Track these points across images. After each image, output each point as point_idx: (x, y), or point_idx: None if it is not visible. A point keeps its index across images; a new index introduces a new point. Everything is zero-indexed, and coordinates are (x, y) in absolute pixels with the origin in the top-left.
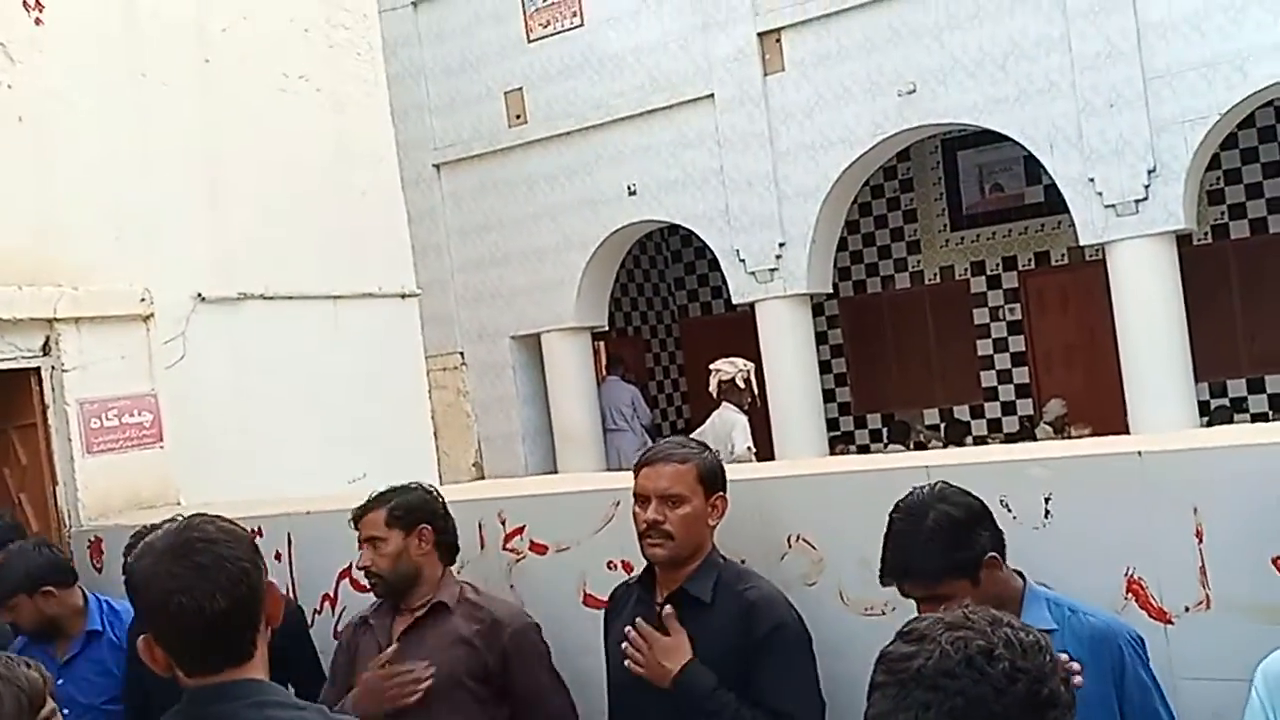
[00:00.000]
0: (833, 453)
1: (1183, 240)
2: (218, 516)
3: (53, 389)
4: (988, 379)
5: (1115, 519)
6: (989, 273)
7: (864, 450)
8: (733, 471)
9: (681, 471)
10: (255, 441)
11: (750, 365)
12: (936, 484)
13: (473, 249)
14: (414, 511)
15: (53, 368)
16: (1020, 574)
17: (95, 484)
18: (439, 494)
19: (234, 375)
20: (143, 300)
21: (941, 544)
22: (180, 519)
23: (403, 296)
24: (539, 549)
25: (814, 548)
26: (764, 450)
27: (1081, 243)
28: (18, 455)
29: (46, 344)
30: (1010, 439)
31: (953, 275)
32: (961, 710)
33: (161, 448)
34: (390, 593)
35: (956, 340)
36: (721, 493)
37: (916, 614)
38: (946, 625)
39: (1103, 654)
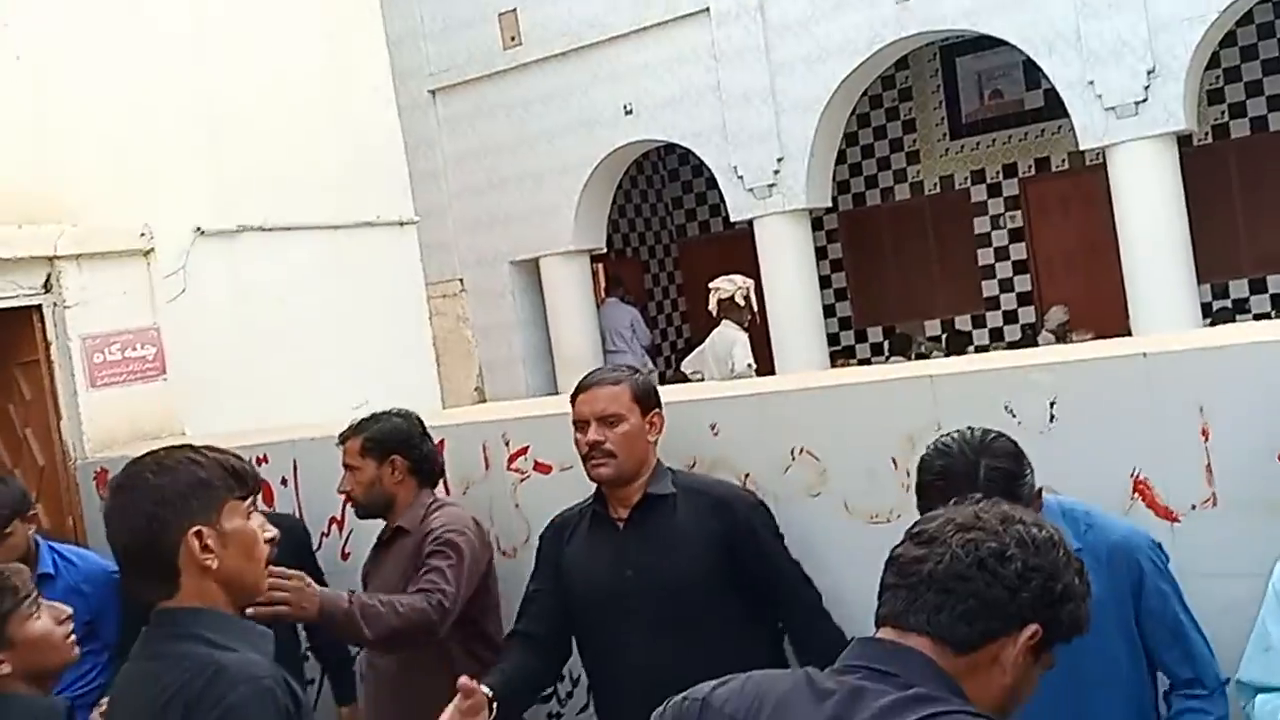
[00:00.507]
0: (834, 367)
1: (1183, 141)
2: (166, 457)
3: (55, 325)
4: (989, 288)
5: (1121, 421)
6: (989, 181)
7: (865, 364)
8: (735, 387)
9: (616, 392)
10: (258, 372)
11: (750, 282)
12: (965, 431)
13: (470, 174)
14: (385, 442)
15: (54, 304)
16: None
17: (99, 417)
18: (417, 421)
19: (235, 307)
20: (143, 235)
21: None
22: (144, 455)
23: (401, 224)
24: (543, 469)
25: (817, 459)
26: (764, 367)
27: (1082, 147)
28: (22, 391)
29: (48, 281)
30: (1012, 347)
31: (953, 185)
32: (975, 611)
33: (164, 380)
34: (366, 515)
35: (957, 250)
36: (657, 409)
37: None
38: (957, 526)
39: (1121, 567)
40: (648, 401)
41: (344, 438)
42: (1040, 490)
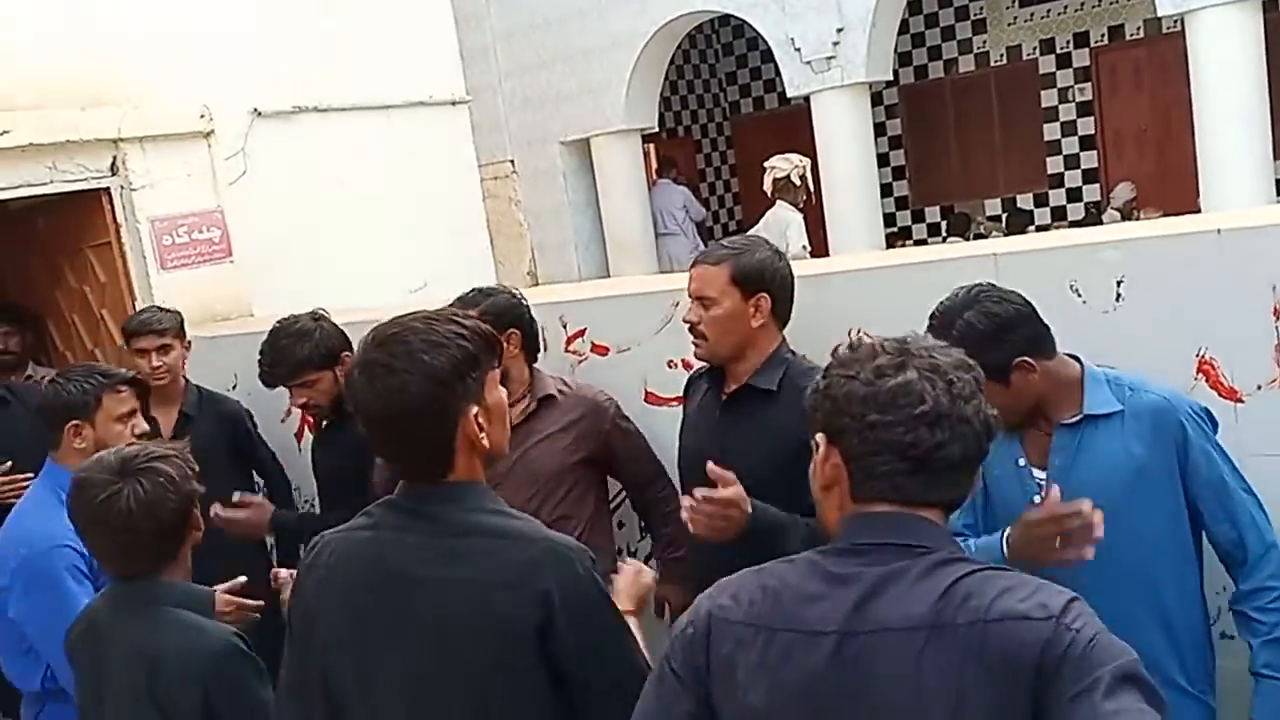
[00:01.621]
0: (889, 249)
1: (1268, 6)
2: (427, 329)
3: (124, 207)
4: (1054, 165)
5: (1189, 300)
6: (1059, 51)
7: (921, 245)
8: (794, 268)
9: (712, 274)
10: (318, 254)
11: (806, 161)
12: (974, 288)
13: (520, 52)
14: (503, 316)
15: (121, 187)
16: (1076, 358)
17: (172, 299)
18: (524, 297)
19: (294, 189)
20: (202, 117)
21: (960, 339)
22: (387, 326)
23: (453, 104)
24: (600, 350)
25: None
26: (818, 249)
27: (1159, 13)
28: (96, 274)
29: (114, 164)
30: (1075, 226)
31: (1020, 55)
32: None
33: (231, 262)
34: None
35: (1022, 125)
36: (763, 292)
37: None
38: (951, 396)
39: (1164, 428)
40: (751, 284)
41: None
42: (1025, 362)
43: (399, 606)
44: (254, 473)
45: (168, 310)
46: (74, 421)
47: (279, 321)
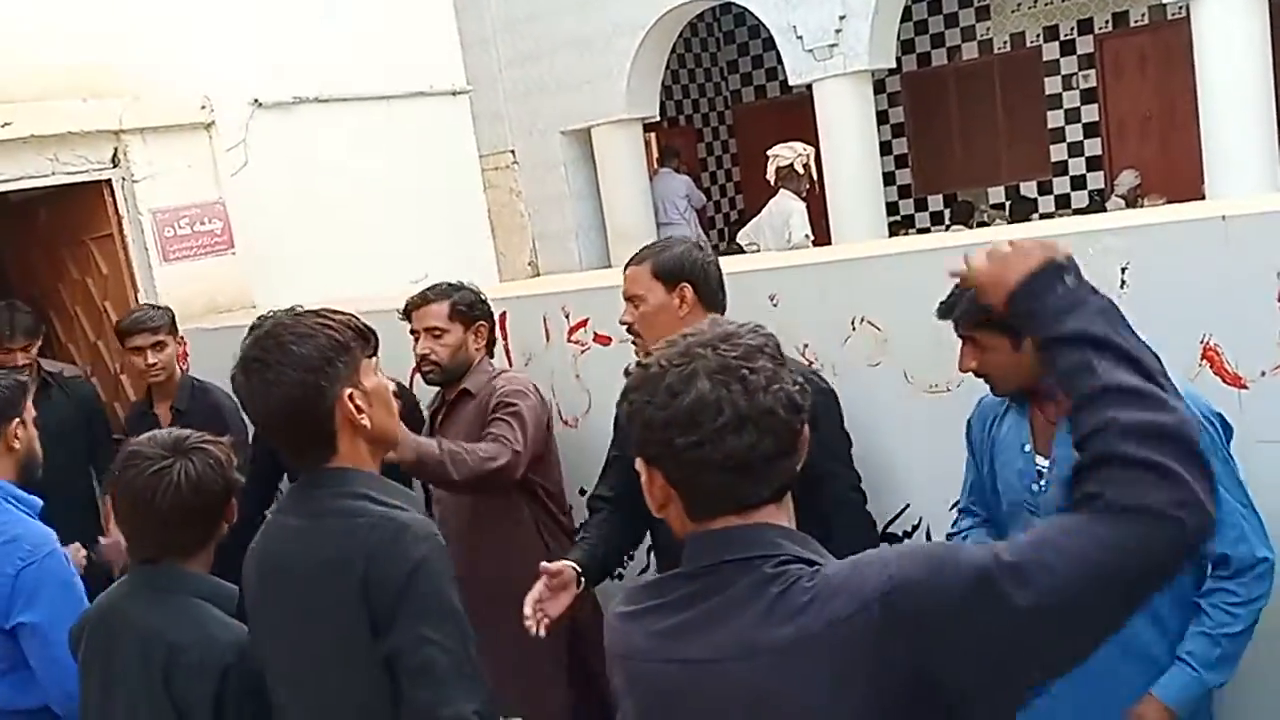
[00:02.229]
0: (892, 237)
1: None
2: (297, 324)
3: (125, 199)
4: (1057, 153)
5: (1194, 286)
6: (1063, 37)
7: (924, 234)
8: (795, 257)
9: (636, 273)
10: (319, 245)
11: (809, 150)
12: None
13: (520, 42)
14: (474, 308)
15: (123, 179)
16: None
17: (174, 291)
18: (486, 295)
19: (295, 180)
20: (203, 108)
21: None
22: (262, 325)
23: (454, 94)
24: (603, 340)
25: (878, 329)
26: (821, 237)
27: None
28: (98, 265)
29: (115, 155)
30: (1080, 214)
31: (1024, 42)
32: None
33: (233, 254)
34: (444, 381)
35: (1025, 112)
36: (684, 282)
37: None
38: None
39: None
40: (671, 276)
41: (423, 301)
42: None
43: (275, 590)
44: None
45: (160, 308)
46: (14, 421)
47: (260, 317)
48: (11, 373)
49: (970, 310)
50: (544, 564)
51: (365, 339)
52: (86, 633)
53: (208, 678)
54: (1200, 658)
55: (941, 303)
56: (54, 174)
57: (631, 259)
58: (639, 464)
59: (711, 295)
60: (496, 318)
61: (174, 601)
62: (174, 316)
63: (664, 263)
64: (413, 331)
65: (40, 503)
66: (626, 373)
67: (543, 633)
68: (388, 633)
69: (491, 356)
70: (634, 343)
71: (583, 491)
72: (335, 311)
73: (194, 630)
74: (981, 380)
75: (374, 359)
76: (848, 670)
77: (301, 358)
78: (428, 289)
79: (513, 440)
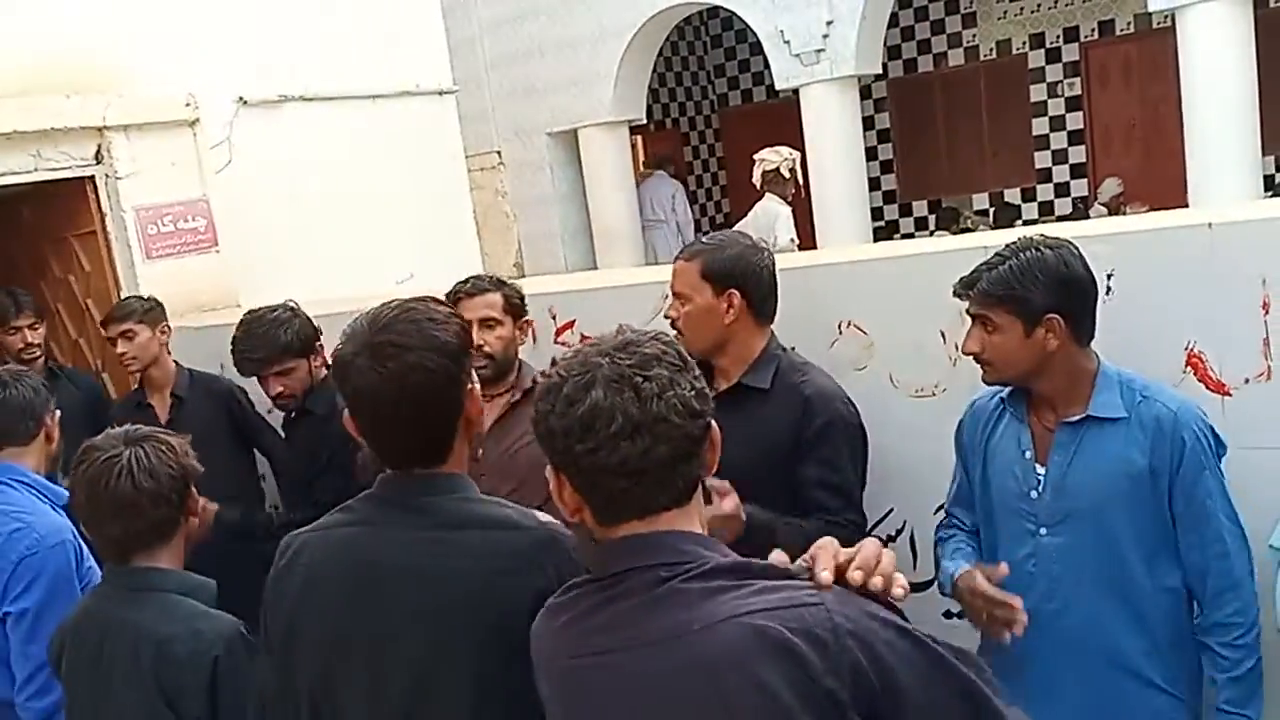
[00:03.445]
0: (877, 242)
1: (1258, 3)
2: (430, 311)
3: (109, 196)
4: (1042, 160)
5: (1179, 293)
6: (1048, 45)
7: (909, 239)
8: (782, 261)
9: (685, 270)
10: (305, 245)
11: (795, 154)
12: (1068, 242)
13: (506, 42)
14: (522, 303)
15: (106, 175)
16: (1097, 356)
17: (157, 289)
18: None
19: (280, 179)
20: (187, 105)
21: (1013, 274)
22: (389, 309)
23: (440, 94)
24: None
25: (864, 333)
26: (806, 242)
27: (1150, 8)
28: (81, 262)
29: (99, 152)
30: (1063, 221)
31: (1009, 49)
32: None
33: (217, 252)
34: (496, 376)
35: (1011, 120)
36: (734, 288)
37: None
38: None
39: (1164, 440)
40: (721, 280)
41: (478, 289)
42: (1056, 320)
43: (391, 603)
44: (255, 451)
45: (142, 298)
46: (52, 413)
47: (250, 311)
48: (19, 369)
49: (994, 284)
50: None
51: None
52: (68, 642)
53: (199, 670)
54: (1238, 700)
55: (963, 278)
56: (37, 170)
57: (682, 251)
58: (548, 470)
59: (762, 302)
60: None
61: (154, 600)
62: (152, 307)
63: (715, 264)
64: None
65: (66, 495)
66: (535, 380)
67: None
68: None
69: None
70: (676, 338)
71: None
72: (446, 306)
73: (180, 624)
74: (979, 366)
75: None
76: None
77: (443, 344)
78: (474, 278)
79: None
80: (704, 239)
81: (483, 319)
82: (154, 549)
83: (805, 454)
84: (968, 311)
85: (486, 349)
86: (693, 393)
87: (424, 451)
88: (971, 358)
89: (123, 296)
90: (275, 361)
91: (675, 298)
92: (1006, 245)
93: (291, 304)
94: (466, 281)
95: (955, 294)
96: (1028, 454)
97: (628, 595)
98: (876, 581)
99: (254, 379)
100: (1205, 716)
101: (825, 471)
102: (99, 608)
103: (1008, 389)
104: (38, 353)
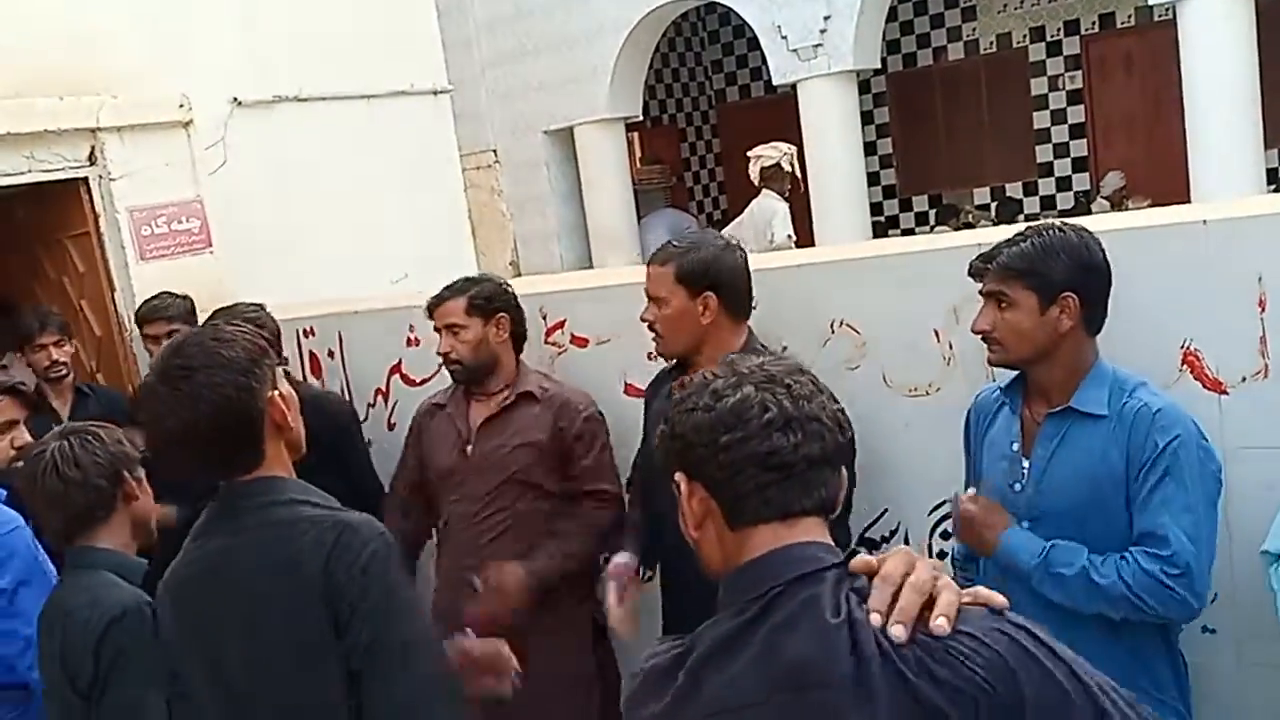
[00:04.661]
0: (876, 238)
1: None
2: (218, 332)
3: (102, 198)
4: (1043, 153)
5: (1175, 291)
6: (1049, 39)
7: (909, 234)
8: (775, 259)
9: (659, 274)
10: (299, 245)
11: (793, 149)
12: (1085, 228)
13: (502, 41)
14: (493, 300)
15: (100, 177)
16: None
17: (151, 290)
18: (510, 286)
19: (274, 179)
20: (181, 106)
21: (1035, 250)
22: (183, 336)
23: (435, 93)
24: (580, 342)
25: (857, 332)
26: (804, 238)
27: (1150, 1)
28: (75, 264)
29: (92, 153)
30: (1065, 215)
31: (1010, 43)
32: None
33: (211, 253)
34: (469, 379)
35: (1011, 113)
36: (709, 290)
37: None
38: (793, 396)
39: (1138, 436)
40: (695, 282)
41: (441, 299)
42: (1071, 298)
43: (210, 609)
44: None
45: (179, 296)
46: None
47: (219, 309)
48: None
49: (1015, 258)
50: (611, 567)
51: (275, 347)
52: (41, 623)
53: (90, 633)
54: (1057, 561)
55: (981, 254)
56: (30, 172)
57: (655, 256)
58: (679, 479)
59: (738, 301)
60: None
61: (82, 576)
62: (192, 307)
63: (689, 266)
64: (436, 329)
65: (4, 492)
66: (669, 396)
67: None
68: (347, 631)
69: (519, 351)
70: (655, 340)
71: None
72: (239, 323)
73: (83, 595)
74: (987, 345)
75: (283, 366)
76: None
77: (230, 360)
78: (446, 285)
79: (611, 486)
80: (675, 241)
81: (447, 325)
82: (92, 531)
83: None
84: (981, 291)
85: (453, 355)
86: (837, 408)
87: (230, 461)
88: (980, 337)
89: (118, 298)
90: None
91: (651, 301)
92: (1028, 226)
93: (256, 305)
94: (438, 293)
95: (971, 272)
96: (1015, 446)
97: (771, 615)
98: (940, 624)
99: None
100: (1192, 713)
101: None
102: (56, 589)
103: (1007, 381)
104: (64, 370)
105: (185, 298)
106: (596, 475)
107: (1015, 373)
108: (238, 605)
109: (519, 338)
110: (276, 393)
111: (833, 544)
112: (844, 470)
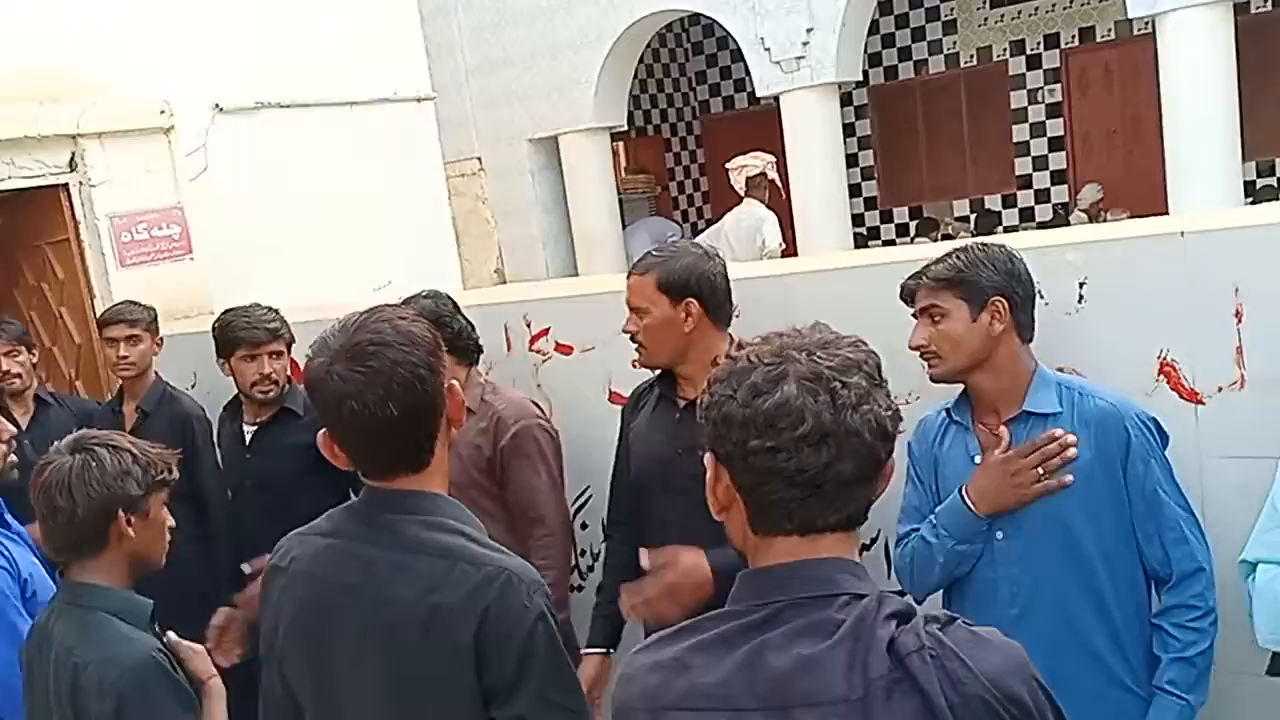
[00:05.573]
0: (857, 249)
1: (1239, 9)
2: (397, 311)
3: (82, 204)
4: (1022, 166)
5: (1152, 302)
6: (1029, 52)
7: (890, 246)
8: (757, 268)
9: (640, 284)
10: (280, 251)
11: (772, 159)
12: (1004, 245)
13: (487, 48)
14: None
15: (80, 183)
16: (1035, 361)
17: (131, 296)
18: (446, 298)
19: (256, 186)
20: (162, 112)
21: (961, 262)
22: (356, 315)
23: (419, 100)
24: (564, 349)
25: None
26: (787, 248)
27: (1130, 15)
28: (54, 270)
29: (72, 160)
30: (1043, 227)
31: (990, 56)
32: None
33: (192, 259)
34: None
35: (991, 126)
36: (690, 298)
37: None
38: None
39: (1108, 433)
40: (677, 290)
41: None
42: (1001, 303)
43: (346, 621)
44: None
45: (144, 305)
46: None
47: (233, 308)
48: None
49: (942, 270)
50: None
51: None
52: (28, 655)
53: (105, 697)
54: (1182, 684)
55: (907, 278)
56: (10, 178)
57: (635, 266)
58: (708, 459)
59: (719, 308)
60: (466, 322)
61: (85, 618)
62: (155, 317)
63: (670, 275)
64: None
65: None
66: (714, 361)
67: None
68: (507, 701)
69: (473, 364)
70: (638, 351)
71: None
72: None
73: (94, 651)
74: (925, 361)
75: None
76: None
77: (421, 339)
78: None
79: (549, 515)
80: (654, 251)
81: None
82: (82, 564)
83: None
84: (914, 313)
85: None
86: (888, 412)
87: (408, 456)
88: (919, 354)
89: (98, 304)
90: (274, 337)
91: (633, 312)
92: (953, 247)
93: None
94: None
95: (902, 295)
96: (976, 459)
97: (776, 627)
98: None
99: (230, 376)
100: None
101: None
102: (48, 622)
103: (952, 400)
104: (17, 383)
105: (149, 307)
106: (531, 502)
107: (959, 391)
108: (365, 633)
109: (462, 350)
110: (455, 384)
111: (855, 559)
112: (879, 479)
